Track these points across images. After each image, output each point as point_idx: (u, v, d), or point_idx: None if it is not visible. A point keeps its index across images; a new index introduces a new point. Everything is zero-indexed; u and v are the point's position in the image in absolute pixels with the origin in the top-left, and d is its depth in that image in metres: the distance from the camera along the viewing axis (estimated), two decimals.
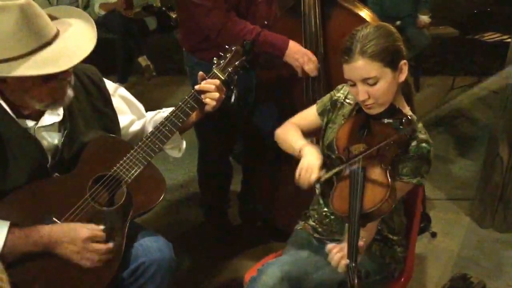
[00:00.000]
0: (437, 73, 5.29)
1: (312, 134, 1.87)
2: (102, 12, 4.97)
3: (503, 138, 2.73)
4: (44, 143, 1.56)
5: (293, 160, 1.68)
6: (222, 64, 1.77)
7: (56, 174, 1.59)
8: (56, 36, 1.43)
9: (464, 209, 3.07)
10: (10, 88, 1.44)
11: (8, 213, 1.49)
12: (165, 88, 5.05)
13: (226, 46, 1.81)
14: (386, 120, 1.58)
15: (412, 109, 1.66)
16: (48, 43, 1.40)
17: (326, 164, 1.60)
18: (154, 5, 5.26)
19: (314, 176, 1.53)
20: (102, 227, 1.54)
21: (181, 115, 1.68)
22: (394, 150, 1.52)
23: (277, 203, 2.59)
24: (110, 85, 1.75)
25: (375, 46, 1.48)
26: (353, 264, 1.38)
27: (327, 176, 1.53)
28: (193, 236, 2.87)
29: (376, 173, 1.47)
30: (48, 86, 1.44)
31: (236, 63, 1.78)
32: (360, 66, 1.49)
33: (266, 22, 2.31)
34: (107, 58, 4.14)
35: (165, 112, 1.81)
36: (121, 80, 4.84)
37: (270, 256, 1.88)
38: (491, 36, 4.75)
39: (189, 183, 3.37)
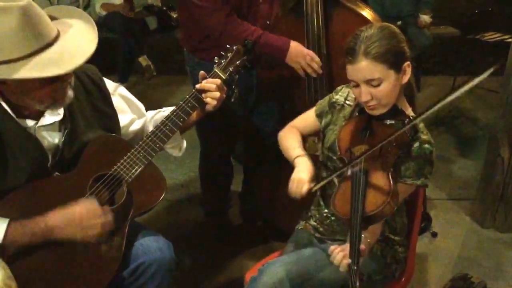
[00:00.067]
0: (438, 73, 5.28)
1: (314, 135, 1.87)
2: (103, 13, 4.96)
3: (504, 138, 2.73)
4: (45, 143, 1.55)
5: None
6: (223, 63, 1.76)
7: (57, 173, 1.59)
8: (57, 37, 1.41)
9: (465, 209, 3.06)
10: (10, 89, 1.44)
11: (8, 213, 1.48)
12: (165, 88, 5.05)
13: (227, 46, 1.80)
14: (388, 121, 1.57)
15: (414, 110, 1.66)
16: (49, 44, 1.38)
17: (326, 167, 1.60)
18: (155, 4, 5.26)
19: (305, 188, 1.57)
20: (96, 202, 1.52)
21: (182, 115, 1.68)
22: (396, 151, 1.51)
23: (277, 203, 2.58)
24: (110, 84, 1.75)
25: (379, 47, 1.48)
26: (355, 267, 1.38)
27: (317, 187, 1.58)
28: (193, 236, 2.86)
29: (378, 175, 1.47)
30: (49, 88, 1.43)
31: (237, 62, 1.78)
32: (363, 67, 1.49)
33: (268, 22, 2.31)
34: (108, 58, 4.13)
35: (166, 111, 1.81)
36: (121, 79, 4.84)
37: (271, 256, 1.88)
38: (492, 36, 4.73)
39: (190, 183, 3.37)
